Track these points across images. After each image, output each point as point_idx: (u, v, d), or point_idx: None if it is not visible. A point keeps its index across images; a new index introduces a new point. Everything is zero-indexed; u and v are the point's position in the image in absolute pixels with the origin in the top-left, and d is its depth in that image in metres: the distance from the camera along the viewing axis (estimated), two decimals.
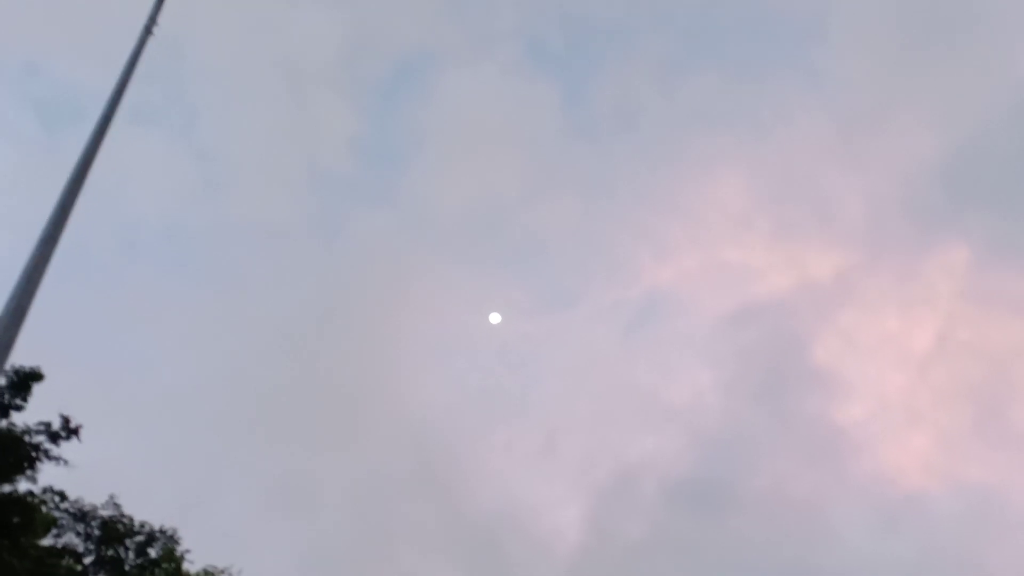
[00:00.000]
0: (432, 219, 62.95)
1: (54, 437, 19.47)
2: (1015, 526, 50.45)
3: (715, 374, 60.18)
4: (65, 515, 21.64)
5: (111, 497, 22.32)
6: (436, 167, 60.05)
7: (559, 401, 62.61)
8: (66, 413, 19.70)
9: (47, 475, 20.00)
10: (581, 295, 64.33)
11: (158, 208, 58.83)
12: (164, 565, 22.30)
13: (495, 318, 57.39)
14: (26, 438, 19.17)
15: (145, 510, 24.25)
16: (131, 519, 22.46)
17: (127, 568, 22.06)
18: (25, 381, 19.36)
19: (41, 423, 19.36)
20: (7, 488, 19.33)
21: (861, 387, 60.47)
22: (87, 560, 21.75)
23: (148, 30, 9.55)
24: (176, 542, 22.94)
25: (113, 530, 22.03)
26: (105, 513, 22.16)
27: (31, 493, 19.58)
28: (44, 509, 20.49)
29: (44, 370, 19.68)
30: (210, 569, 22.57)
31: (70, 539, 21.65)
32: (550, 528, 55.15)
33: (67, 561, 20.60)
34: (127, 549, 22.25)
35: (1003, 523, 51.66)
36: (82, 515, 21.79)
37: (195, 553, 22.86)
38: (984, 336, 57.11)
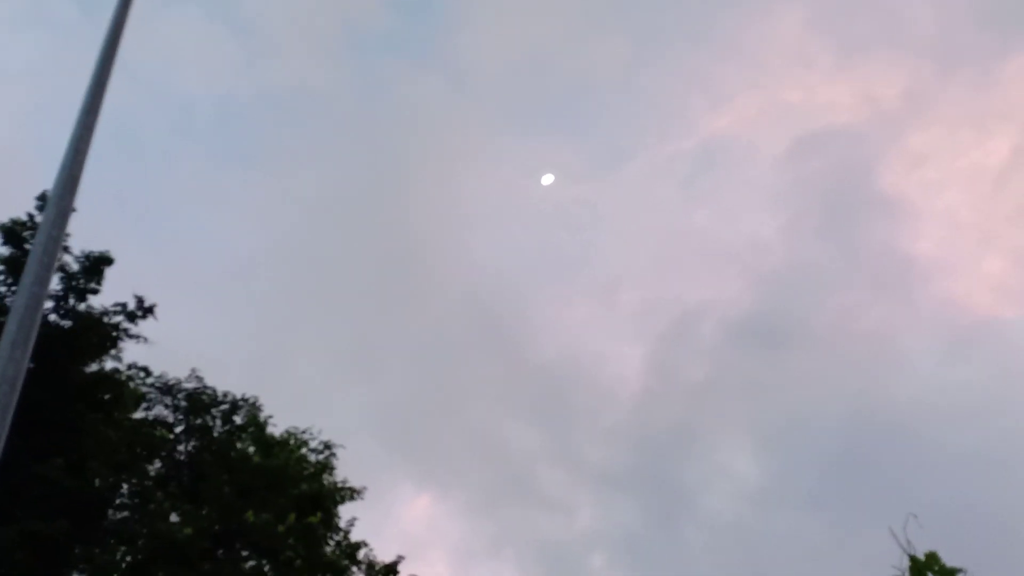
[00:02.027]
0: (477, 77, 61.76)
1: (131, 317, 20.29)
2: None
3: (776, 212, 59.25)
4: (152, 389, 22.73)
5: (193, 371, 23.30)
6: (478, 19, 58.33)
7: (617, 255, 62.72)
8: (139, 293, 20.49)
9: (130, 353, 20.95)
10: (635, 151, 63.15)
11: (206, 87, 58.81)
12: (250, 430, 23.45)
13: (547, 179, 56.93)
14: (105, 319, 20.02)
15: (225, 381, 25.40)
16: (214, 390, 23.48)
17: (215, 435, 23.22)
18: (96, 265, 20.05)
19: (117, 304, 20.16)
20: (95, 367, 20.35)
21: (931, 211, 58.95)
22: (177, 430, 22.95)
23: None
24: (258, 409, 23.99)
25: (198, 401, 23.10)
26: (189, 386, 23.20)
27: (117, 371, 20.60)
28: (131, 385, 21.57)
29: (113, 254, 20.40)
30: (292, 431, 23.68)
31: (159, 411, 22.82)
32: (613, 374, 56.40)
33: (159, 431, 21.79)
34: (213, 418, 23.37)
35: None
36: (168, 389, 22.86)
37: (273, 416, 23.91)
38: None
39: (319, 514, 21.36)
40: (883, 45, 57.88)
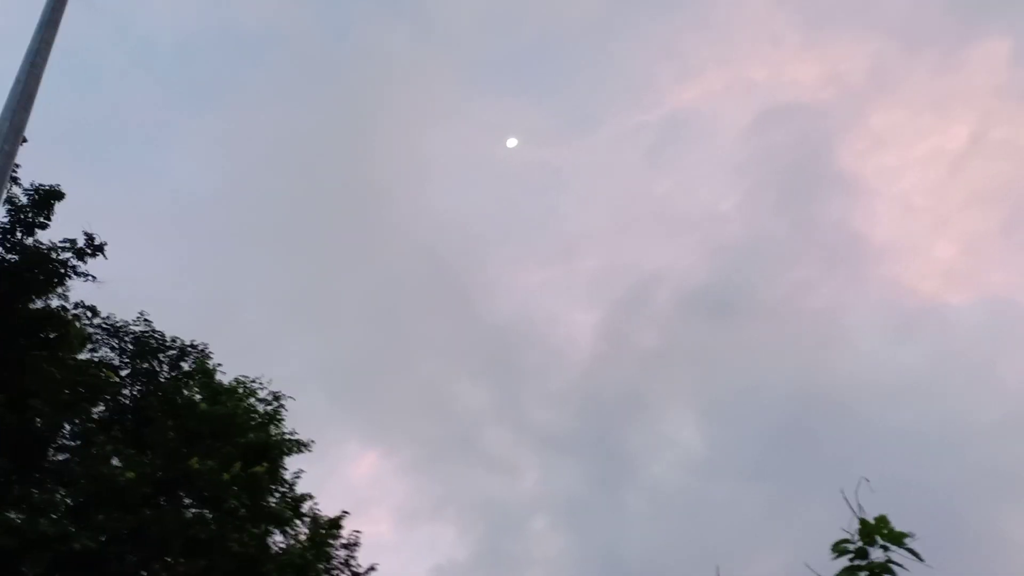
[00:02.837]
0: (446, 28, 60.86)
1: (80, 254, 19.76)
2: None
3: (736, 185, 59.65)
4: (98, 330, 22.23)
5: (141, 313, 22.83)
6: None
7: (577, 220, 62.76)
8: (89, 230, 19.94)
9: (77, 291, 20.46)
10: (601, 118, 63.01)
11: (169, 21, 57.22)
12: (198, 377, 23.10)
13: (512, 142, 56.62)
14: (52, 255, 19.48)
15: (173, 323, 24.99)
16: (162, 334, 23.05)
17: (162, 380, 22.85)
18: (46, 199, 19.47)
19: (66, 240, 19.61)
20: (40, 304, 19.84)
21: (887, 192, 59.85)
22: (123, 373, 22.52)
23: None
24: (207, 356, 23.62)
25: (146, 344, 22.67)
26: (137, 328, 22.72)
27: (63, 308, 20.10)
28: (78, 324, 21.06)
29: (63, 188, 19.81)
30: (242, 379, 23.37)
31: (105, 353, 22.33)
32: (566, 337, 56.72)
33: (104, 373, 21.35)
34: (161, 362, 22.97)
35: (1019, 332, 52.26)
36: (115, 330, 22.37)
37: (222, 364, 23.58)
38: (1020, 135, 55.40)
39: (265, 464, 21.19)
40: (850, 23, 58.31)
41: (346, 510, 24.56)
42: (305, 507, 23.38)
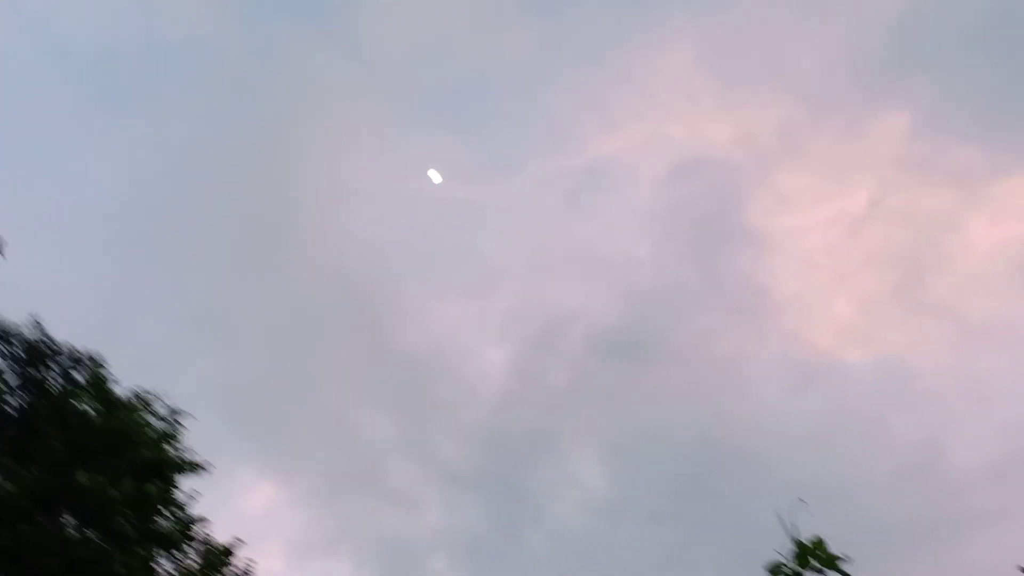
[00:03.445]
0: (375, 55, 60.54)
1: None
2: (920, 395, 53.12)
3: (650, 233, 60.89)
4: None
5: (33, 318, 21.58)
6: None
7: (495, 257, 62.92)
8: None
9: None
10: (524, 161, 63.80)
11: (91, 27, 55.32)
12: (91, 388, 21.90)
13: (435, 176, 56.55)
14: None
15: (68, 332, 23.67)
16: (55, 341, 21.82)
17: (52, 390, 21.59)
18: None
19: None
20: None
21: (791, 249, 61.97)
22: (11, 380, 21.20)
23: None
24: (102, 367, 22.44)
25: (37, 351, 21.41)
26: (28, 334, 21.47)
27: None
28: None
29: None
30: (139, 391, 22.22)
31: None
32: (477, 373, 56.42)
33: None
34: (52, 371, 21.71)
35: (909, 391, 54.39)
36: (5, 334, 21.09)
37: (117, 377, 22.41)
38: (915, 204, 58.37)
39: (158, 483, 20.10)
40: (763, 87, 60.74)
41: (240, 537, 23.48)
42: (198, 531, 22.21)
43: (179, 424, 22.65)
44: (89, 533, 18.97)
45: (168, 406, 22.55)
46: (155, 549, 20.17)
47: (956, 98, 56.36)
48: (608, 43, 60.25)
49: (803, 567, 6.25)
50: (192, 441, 22.96)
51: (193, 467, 22.43)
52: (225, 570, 23.16)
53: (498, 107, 64.13)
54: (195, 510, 22.51)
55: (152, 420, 22.32)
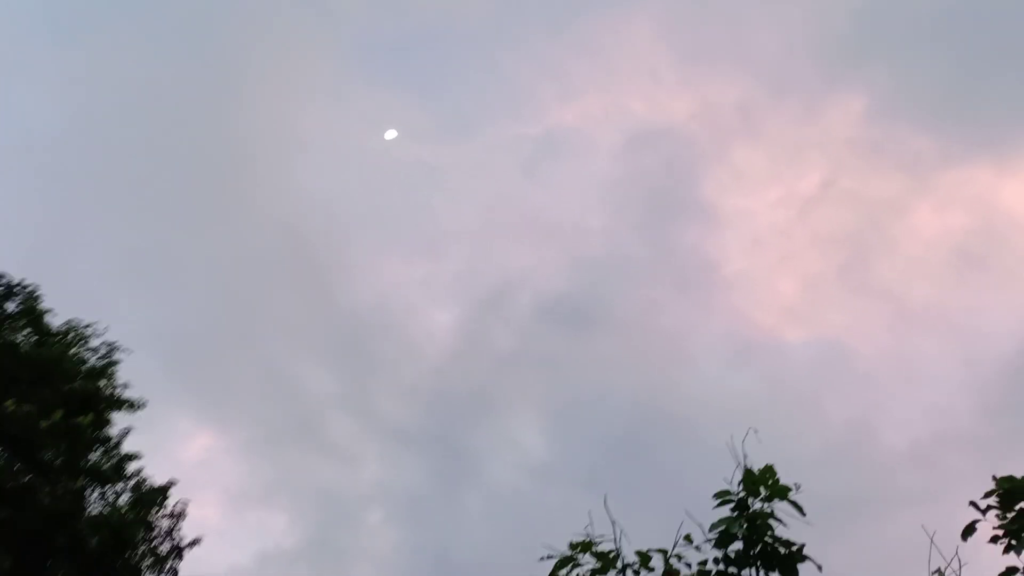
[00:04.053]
0: (333, 9, 59.14)
1: None
2: (855, 375, 54.15)
3: (604, 203, 60.90)
4: None
5: None
6: None
7: (448, 219, 62.24)
8: None
9: None
10: (482, 125, 63.11)
11: None
12: (24, 320, 21.20)
13: (391, 135, 55.71)
14: None
15: (2, 262, 22.87)
16: None
17: None
18: None
19: None
20: None
21: (741, 224, 62.44)
22: None
23: None
24: (36, 298, 21.71)
25: None
26: None
27: None
28: None
29: None
30: (73, 323, 21.54)
31: None
32: (423, 332, 56.02)
33: None
34: None
35: (845, 371, 55.39)
36: None
37: (53, 309, 21.71)
38: (865, 186, 59.10)
39: (90, 415, 19.53)
40: (724, 64, 60.97)
41: (175, 479, 23.00)
42: (131, 467, 21.69)
43: (114, 360, 22.06)
44: (15, 461, 18.40)
45: (104, 341, 21.96)
46: (85, 482, 19.64)
47: (912, 86, 57.12)
48: (571, 12, 59.81)
49: (751, 496, 6.18)
50: (128, 381, 22.39)
51: (127, 404, 21.85)
52: (157, 510, 22.73)
53: (457, 69, 63.29)
54: (129, 448, 22.02)
55: (86, 354, 21.72)
